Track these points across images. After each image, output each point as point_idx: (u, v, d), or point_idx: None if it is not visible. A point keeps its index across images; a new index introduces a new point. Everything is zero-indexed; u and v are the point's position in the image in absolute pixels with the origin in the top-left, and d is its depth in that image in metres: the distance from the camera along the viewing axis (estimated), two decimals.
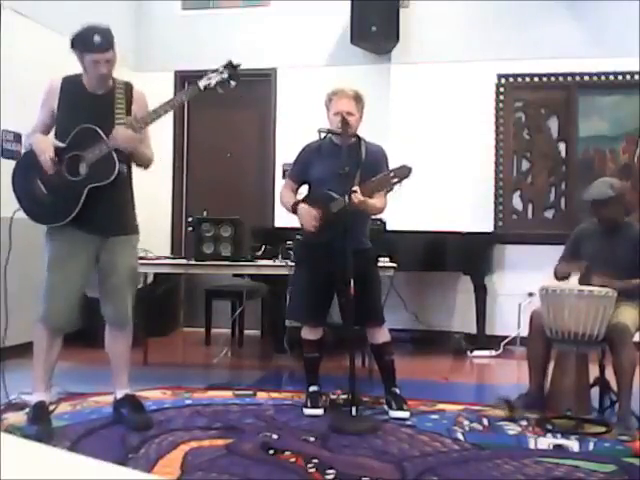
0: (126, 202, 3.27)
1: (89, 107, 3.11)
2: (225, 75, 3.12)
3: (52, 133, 3.21)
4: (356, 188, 3.36)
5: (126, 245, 3.24)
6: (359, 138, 3.55)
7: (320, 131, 3.52)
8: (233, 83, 3.14)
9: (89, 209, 3.07)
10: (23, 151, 3.33)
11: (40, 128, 3.18)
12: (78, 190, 3.06)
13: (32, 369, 3.20)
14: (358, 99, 3.55)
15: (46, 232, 3.18)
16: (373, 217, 3.84)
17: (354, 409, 3.24)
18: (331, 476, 2.63)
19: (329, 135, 3.55)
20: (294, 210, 3.56)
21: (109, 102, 3.12)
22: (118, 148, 3.06)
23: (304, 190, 3.74)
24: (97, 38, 3.01)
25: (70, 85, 3.13)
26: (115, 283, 3.21)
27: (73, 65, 3.16)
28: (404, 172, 3.37)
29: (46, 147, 3.05)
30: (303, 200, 3.60)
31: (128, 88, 3.22)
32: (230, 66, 3.13)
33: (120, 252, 3.20)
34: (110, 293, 3.23)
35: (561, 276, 3.72)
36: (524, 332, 4.96)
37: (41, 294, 3.14)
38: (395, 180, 3.36)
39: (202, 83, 3.12)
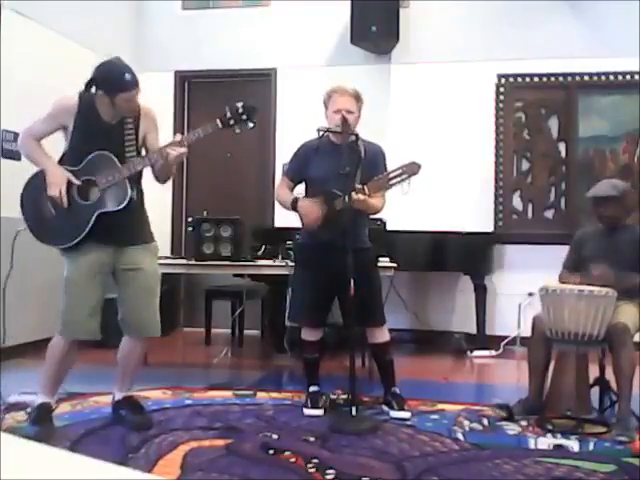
0: (139, 218, 3.26)
1: (103, 134, 3.10)
2: (244, 117, 3.13)
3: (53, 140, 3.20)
4: (360, 187, 3.35)
5: (145, 253, 3.24)
6: (357, 136, 3.53)
7: (319, 130, 3.51)
8: (251, 125, 3.17)
9: (104, 222, 3.07)
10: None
11: (40, 135, 3.17)
12: (87, 215, 3.07)
13: (43, 373, 3.18)
14: (358, 97, 3.55)
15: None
16: (373, 217, 3.84)
17: (354, 409, 3.24)
18: (331, 476, 2.63)
19: (327, 134, 3.54)
20: (294, 207, 3.55)
21: (121, 130, 3.13)
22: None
23: (300, 189, 3.72)
24: (128, 76, 3.02)
25: (86, 108, 3.11)
26: (135, 292, 3.19)
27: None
28: (413, 169, 3.34)
29: (60, 181, 3.05)
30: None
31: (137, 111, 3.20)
32: (250, 107, 3.15)
33: (140, 261, 3.19)
34: (131, 302, 3.21)
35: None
36: (524, 332, 4.97)
37: (61, 308, 3.14)
38: (404, 177, 3.34)
39: (221, 121, 3.12)
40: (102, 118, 3.12)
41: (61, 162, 3.15)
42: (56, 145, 3.22)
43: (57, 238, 3.14)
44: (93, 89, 3.07)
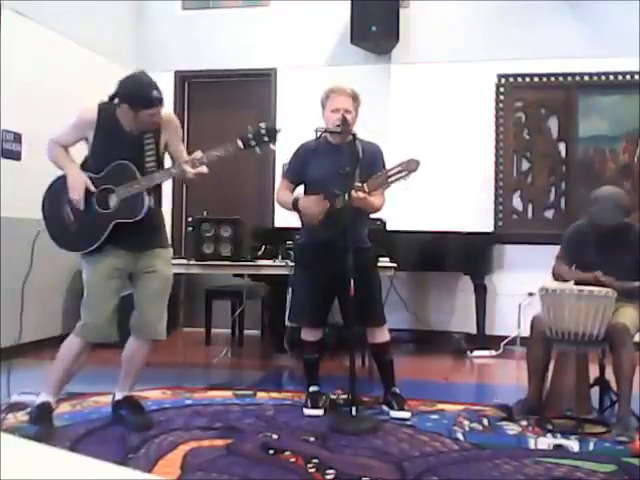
0: (157, 223, 3.30)
1: (124, 144, 3.12)
2: (266, 138, 3.15)
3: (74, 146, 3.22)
4: (360, 184, 3.35)
5: (160, 256, 3.27)
6: (354, 136, 3.51)
7: (317, 130, 3.51)
8: (272, 147, 3.19)
9: (122, 229, 3.09)
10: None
11: (65, 144, 3.20)
12: (104, 223, 3.09)
13: (51, 372, 3.19)
14: (355, 97, 3.56)
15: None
16: (373, 217, 3.84)
17: (354, 409, 3.24)
18: (331, 476, 2.63)
19: (324, 134, 3.54)
20: (295, 206, 3.55)
21: (142, 141, 3.15)
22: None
23: (300, 190, 3.71)
24: (156, 93, 3.03)
25: (106, 119, 3.12)
26: (145, 295, 3.23)
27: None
28: (412, 165, 3.33)
29: (79, 186, 3.08)
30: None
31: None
32: (272, 129, 3.17)
33: (154, 264, 3.22)
34: (140, 304, 3.24)
35: (562, 280, 3.68)
36: (524, 332, 4.97)
37: (81, 310, 3.17)
38: (403, 174, 3.34)
39: (242, 141, 3.13)
40: (123, 128, 3.13)
41: (82, 168, 3.17)
42: (79, 147, 3.25)
43: (73, 243, 3.17)
44: (117, 101, 3.07)
